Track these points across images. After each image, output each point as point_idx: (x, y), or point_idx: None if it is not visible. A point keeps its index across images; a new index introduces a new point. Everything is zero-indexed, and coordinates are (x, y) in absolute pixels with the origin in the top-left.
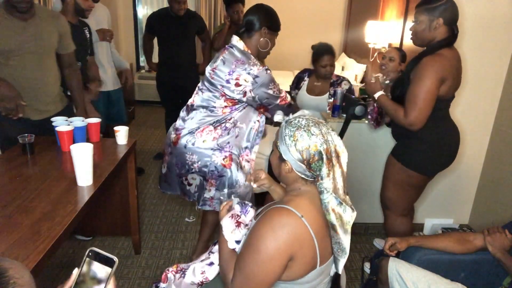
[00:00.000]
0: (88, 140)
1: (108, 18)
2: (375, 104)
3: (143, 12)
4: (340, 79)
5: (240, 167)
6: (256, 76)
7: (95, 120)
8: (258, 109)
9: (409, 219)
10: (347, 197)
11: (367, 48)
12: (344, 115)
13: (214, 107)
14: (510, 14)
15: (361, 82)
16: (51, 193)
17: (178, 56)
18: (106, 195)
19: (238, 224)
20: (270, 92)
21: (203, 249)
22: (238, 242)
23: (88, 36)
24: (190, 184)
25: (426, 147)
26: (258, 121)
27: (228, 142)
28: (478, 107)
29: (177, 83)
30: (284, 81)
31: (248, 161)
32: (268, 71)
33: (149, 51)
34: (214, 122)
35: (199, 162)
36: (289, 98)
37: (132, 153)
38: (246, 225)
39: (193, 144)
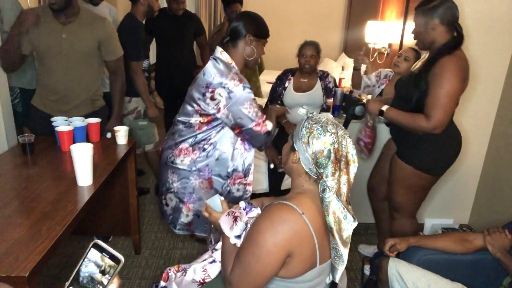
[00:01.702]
0: (88, 140)
1: (114, 19)
2: (367, 130)
3: None
4: (326, 73)
5: (228, 192)
6: (231, 92)
7: (95, 120)
8: (233, 129)
9: (416, 220)
10: (349, 206)
11: (367, 48)
12: (344, 115)
13: (191, 123)
14: (510, 14)
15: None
16: (51, 193)
17: (176, 56)
18: (106, 195)
19: (235, 219)
20: (245, 112)
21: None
22: (238, 236)
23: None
24: (167, 205)
25: (436, 147)
26: (242, 141)
27: (207, 165)
28: (478, 107)
29: (175, 83)
30: None
31: (245, 184)
32: (247, 89)
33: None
34: (191, 142)
35: (179, 182)
36: (270, 127)
37: (132, 153)
38: (246, 222)
39: (172, 162)
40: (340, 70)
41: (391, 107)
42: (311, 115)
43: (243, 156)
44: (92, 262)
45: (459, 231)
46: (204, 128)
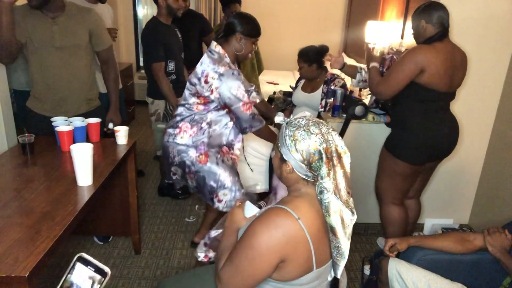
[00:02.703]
0: (88, 140)
1: (111, 17)
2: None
3: (143, 12)
4: (334, 77)
5: (222, 161)
6: (221, 75)
7: (95, 120)
8: (224, 108)
9: (403, 209)
10: (351, 199)
11: (339, 51)
12: (344, 115)
13: (190, 104)
14: (510, 14)
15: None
16: (51, 193)
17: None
18: (106, 195)
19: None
20: (233, 92)
21: (205, 231)
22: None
23: (180, 36)
24: (174, 174)
25: (412, 137)
26: (231, 122)
27: (203, 142)
28: (478, 107)
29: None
30: (284, 81)
31: (232, 156)
32: (235, 73)
33: None
34: (190, 120)
35: (178, 157)
36: (255, 110)
37: (132, 153)
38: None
39: (173, 139)
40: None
41: (377, 67)
42: (288, 120)
43: (230, 133)
44: (78, 277)
45: (459, 231)
46: (201, 108)
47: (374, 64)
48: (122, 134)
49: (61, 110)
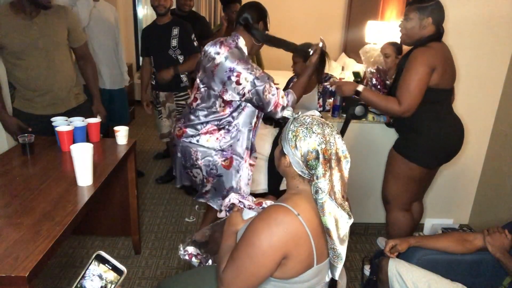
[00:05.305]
0: (88, 140)
1: (115, 17)
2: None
3: (143, 12)
4: (328, 76)
5: (239, 171)
6: (257, 79)
7: (95, 120)
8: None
9: (410, 214)
10: (346, 203)
11: None
12: (344, 115)
13: (215, 107)
14: (510, 14)
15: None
16: (51, 193)
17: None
18: (106, 195)
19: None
20: (266, 98)
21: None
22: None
23: (176, 33)
24: (195, 177)
25: (427, 140)
26: (255, 123)
27: (231, 145)
28: (478, 107)
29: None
30: (284, 81)
31: (251, 165)
32: (267, 75)
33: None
34: (217, 123)
35: (202, 160)
36: (284, 102)
37: (132, 153)
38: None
39: (197, 141)
40: (340, 70)
41: (367, 88)
42: (296, 116)
43: (250, 135)
44: (95, 274)
45: (459, 231)
46: (227, 110)
47: (362, 86)
48: (122, 134)
49: (52, 108)
